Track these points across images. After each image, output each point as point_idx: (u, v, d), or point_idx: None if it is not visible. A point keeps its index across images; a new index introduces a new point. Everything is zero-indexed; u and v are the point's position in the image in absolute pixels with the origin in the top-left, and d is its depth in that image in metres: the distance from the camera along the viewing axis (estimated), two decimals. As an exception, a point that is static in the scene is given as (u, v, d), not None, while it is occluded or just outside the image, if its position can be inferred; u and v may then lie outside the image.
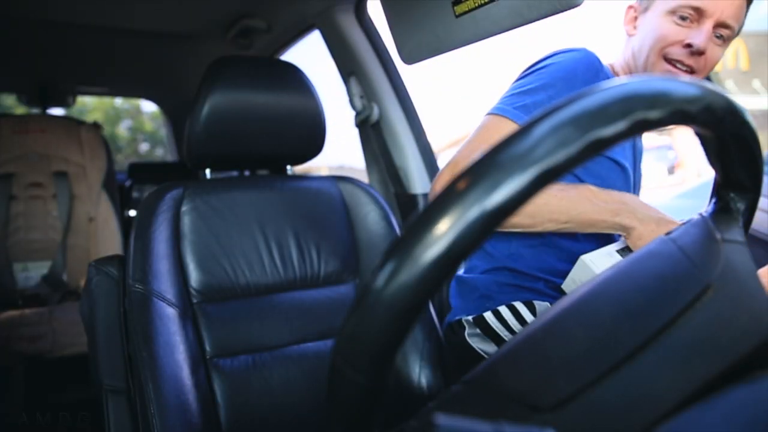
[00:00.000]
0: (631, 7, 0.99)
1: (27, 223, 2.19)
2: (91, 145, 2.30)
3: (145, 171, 3.02)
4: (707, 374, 0.31)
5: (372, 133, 1.54)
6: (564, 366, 0.32)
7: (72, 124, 2.34)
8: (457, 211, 0.25)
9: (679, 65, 0.91)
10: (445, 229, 0.25)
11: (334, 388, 0.28)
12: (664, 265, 0.37)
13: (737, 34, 0.93)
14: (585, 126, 0.27)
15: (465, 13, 0.85)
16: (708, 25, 0.88)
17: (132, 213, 2.72)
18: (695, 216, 0.41)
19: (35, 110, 2.76)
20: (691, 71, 0.91)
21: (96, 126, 2.41)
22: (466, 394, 0.32)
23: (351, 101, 1.54)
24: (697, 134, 0.35)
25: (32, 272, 2.19)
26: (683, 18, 0.88)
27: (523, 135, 0.27)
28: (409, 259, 0.26)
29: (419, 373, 0.97)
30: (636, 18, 0.98)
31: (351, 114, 1.57)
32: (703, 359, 0.32)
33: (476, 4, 0.83)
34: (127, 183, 2.90)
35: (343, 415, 0.29)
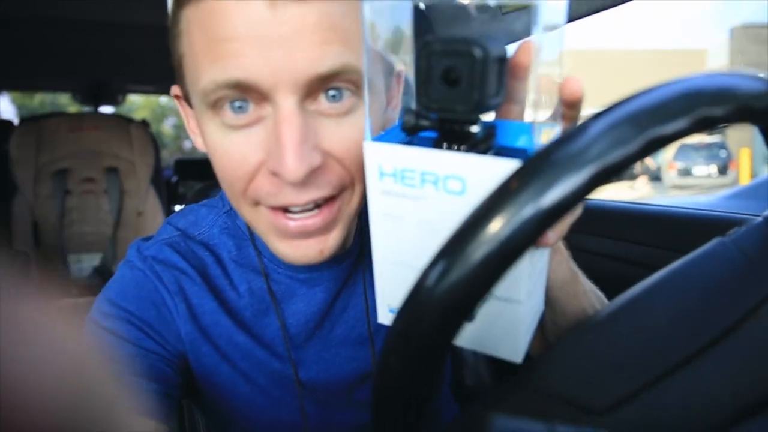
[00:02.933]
0: None
1: (80, 216, 2.30)
2: (140, 141, 2.39)
3: (189, 167, 3.11)
4: (770, 383, 0.29)
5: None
6: (617, 368, 0.31)
7: (122, 121, 2.43)
8: (511, 209, 0.25)
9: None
10: (498, 228, 0.25)
11: (383, 386, 0.28)
12: (724, 269, 0.35)
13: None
14: (643, 124, 0.26)
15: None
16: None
17: (178, 208, 2.81)
18: (758, 218, 0.39)
19: (87, 108, 2.89)
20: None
21: (144, 123, 2.50)
22: (514, 394, 0.32)
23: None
24: (763, 132, 0.34)
25: (85, 263, 2.30)
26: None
27: (578, 133, 0.27)
28: (461, 257, 0.25)
29: (466, 372, 0.96)
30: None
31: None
32: (764, 369, 0.31)
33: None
34: (173, 179, 2.99)
35: (391, 414, 0.29)
